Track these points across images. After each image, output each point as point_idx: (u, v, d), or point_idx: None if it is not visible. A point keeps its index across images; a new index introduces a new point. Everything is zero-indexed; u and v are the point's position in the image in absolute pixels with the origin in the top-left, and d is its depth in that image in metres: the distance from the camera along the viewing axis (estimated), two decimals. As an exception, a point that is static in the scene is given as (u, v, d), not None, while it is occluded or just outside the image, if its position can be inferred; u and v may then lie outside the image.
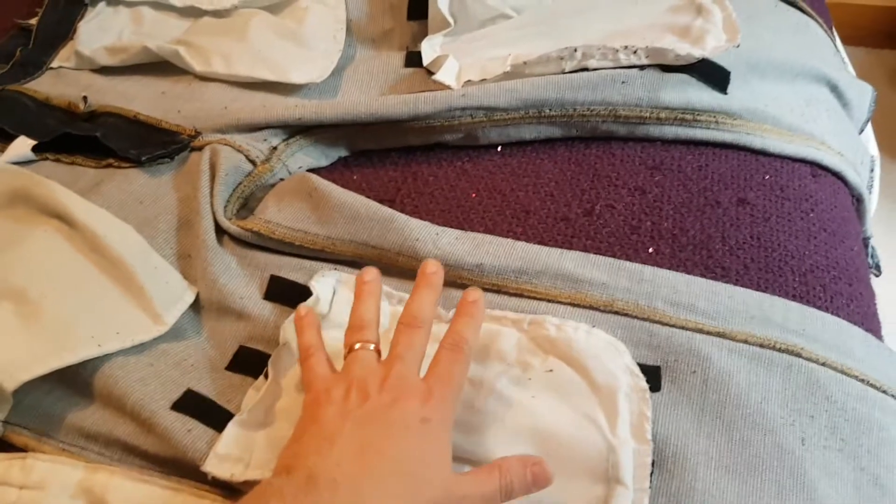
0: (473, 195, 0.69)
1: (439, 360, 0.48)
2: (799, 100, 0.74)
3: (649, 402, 0.52)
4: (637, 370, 0.54)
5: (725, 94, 0.70)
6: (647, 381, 0.53)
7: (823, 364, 0.55)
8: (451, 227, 0.64)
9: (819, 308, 0.60)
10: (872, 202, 0.91)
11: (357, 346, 0.49)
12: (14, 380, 0.52)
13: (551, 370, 0.54)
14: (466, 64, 0.73)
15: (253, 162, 0.68)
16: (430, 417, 0.45)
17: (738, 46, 0.70)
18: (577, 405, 0.53)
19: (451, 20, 0.76)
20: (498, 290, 0.59)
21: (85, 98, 0.74)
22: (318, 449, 0.43)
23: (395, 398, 0.45)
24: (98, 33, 0.81)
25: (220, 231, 0.64)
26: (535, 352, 0.55)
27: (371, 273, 0.54)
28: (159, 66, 0.77)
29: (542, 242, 0.64)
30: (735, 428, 0.52)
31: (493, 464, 0.46)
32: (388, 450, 0.43)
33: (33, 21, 0.85)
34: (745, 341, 0.56)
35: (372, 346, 0.49)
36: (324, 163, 0.73)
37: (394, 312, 0.59)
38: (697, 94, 0.69)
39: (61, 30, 0.83)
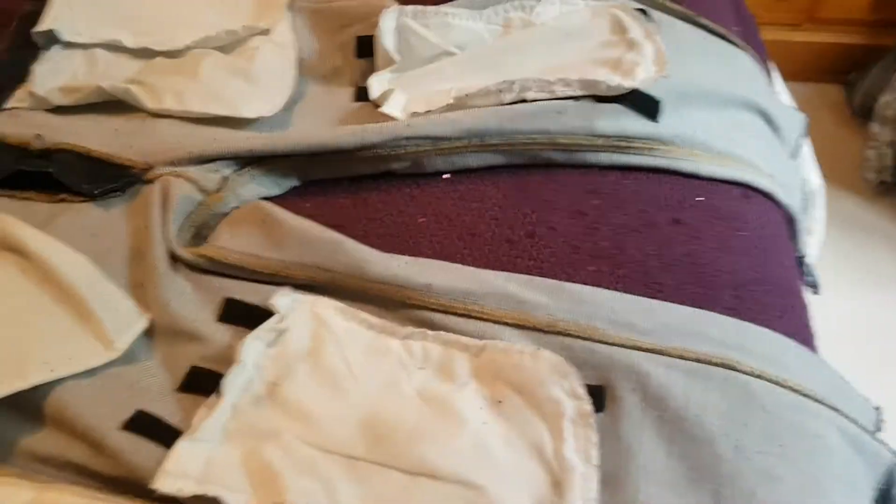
0: (421, 220, 0.71)
1: None
2: (729, 125, 0.78)
3: (594, 426, 0.55)
4: (582, 392, 0.56)
5: (657, 121, 0.74)
6: (592, 402, 0.55)
7: (758, 376, 0.58)
8: (401, 250, 0.67)
9: (753, 321, 0.63)
10: (818, 229, 0.96)
11: None
12: (-34, 406, 0.53)
13: (500, 401, 0.56)
14: (412, 97, 0.77)
15: (205, 192, 0.70)
16: None
17: (666, 77, 0.74)
18: (524, 432, 0.55)
19: (396, 57, 0.80)
20: (446, 312, 0.62)
21: (38, 136, 0.75)
22: None
23: None
24: (52, 75, 0.82)
25: (175, 259, 0.66)
26: (485, 380, 0.58)
27: None
28: (112, 105, 0.79)
29: (487, 263, 0.66)
30: (674, 441, 0.55)
31: None
32: None
33: (-13, 65, 0.87)
34: (681, 356, 0.58)
35: None
36: (276, 192, 0.75)
37: (346, 327, 0.61)
38: (631, 123, 0.73)
39: (16, 72, 0.84)
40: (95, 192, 0.69)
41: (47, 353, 0.56)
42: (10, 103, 0.82)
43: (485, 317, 0.61)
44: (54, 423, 0.55)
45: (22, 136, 0.76)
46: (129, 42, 0.84)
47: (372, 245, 0.65)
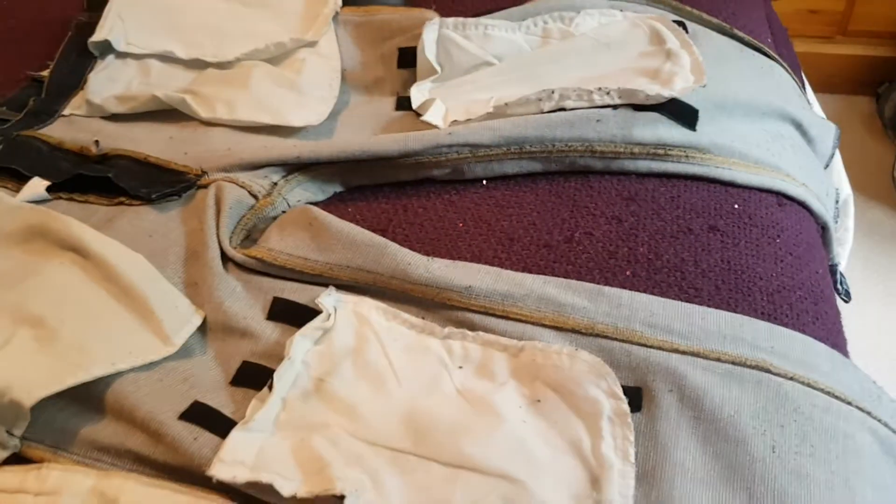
0: (461, 225, 0.73)
1: None
2: (765, 136, 0.79)
3: (631, 424, 0.56)
4: (619, 392, 0.57)
5: (694, 130, 0.75)
6: (629, 402, 0.57)
7: (791, 378, 0.59)
8: (441, 254, 0.69)
9: (786, 326, 0.64)
10: (848, 239, 0.96)
11: None
12: (32, 397, 0.56)
13: (539, 400, 0.58)
14: (452, 106, 0.79)
15: (255, 196, 0.73)
16: None
17: (704, 86, 0.76)
18: (563, 431, 0.56)
19: (437, 67, 0.82)
20: (486, 313, 0.63)
21: (97, 142, 0.79)
22: None
23: None
24: (107, 83, 0.86)
25: (225, 259, 0.69)
26: (524, 379, 0.59)
27: None
28: (166, 113, 0.82)
29: (525, 268, 0.68)
30: (709, 441, 0.56)
31: None
32: None
33: (45, 73, 0.91)
34: (718, 359, 0.59)
35: None
36: (321, 197, 0.78)
37: (388, 327, 0.63)
38: (668, 131, 0.75)
39: (72, 80, 0.88)
40: (153, 196, 0.72)
41: (109, 347, 0.59)
42: (67, 110, 0.86)
43: (523, 318, 0.62)
44: (114, 414, 0.58)
45: (80, 142, 0.80)
46: (182, 53, 0.88)
47: (412, 249, 0.67)
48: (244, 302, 0.66)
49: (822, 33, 1.61)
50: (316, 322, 0.63)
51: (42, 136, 0.81)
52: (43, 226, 0.67)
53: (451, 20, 0.84)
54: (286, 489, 0.52)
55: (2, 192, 0.74)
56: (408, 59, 0.85)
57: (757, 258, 0.70)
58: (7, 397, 0.55)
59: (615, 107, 0.74)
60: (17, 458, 0.58)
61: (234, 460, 0.53)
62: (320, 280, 0.67)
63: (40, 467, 0.55)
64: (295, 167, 0.77)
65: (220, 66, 0.87)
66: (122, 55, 0.89)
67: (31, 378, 0.56)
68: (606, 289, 0.64)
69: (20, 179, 0.76)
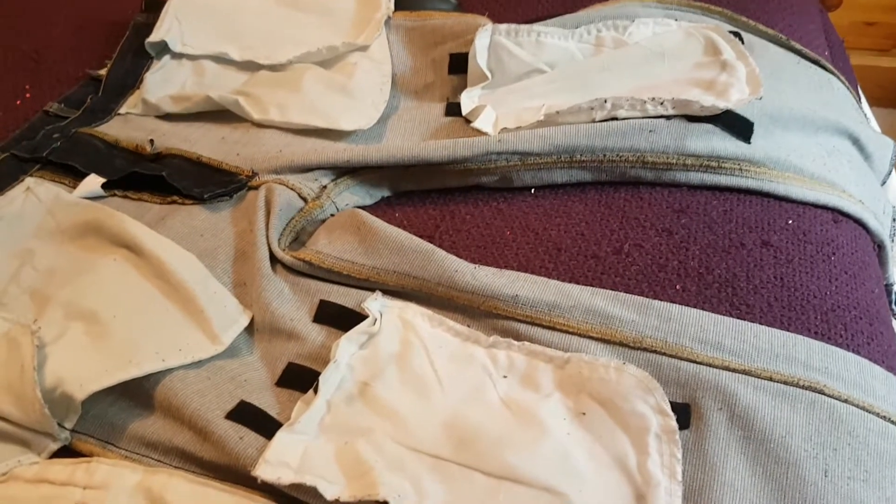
0: (508, 233, 0.73)
1: None
2: (821, 150, 0.77)
3: (679, 442, 0.55)
4: (667, 409, 0.56)
5: (749, 143, 0.74)
6: (677, 419, 0.56)
7: (846, 401, 0.58)
8: (487, 262, 0.69)
9: (840, 346, 0.63)
10: (899, 251, 0.94)
11: None
12: (84, 390, 0.57)
13: (584, 413, 0.57)
14: (502, 113, 0.79)
15: (304, 199, 0.74)
16: None
17: (760, 99, 0.74)
18: (608, 445, 0.56)
19: (488, 74, 0.82)
20: (532, 323, 0.63)
21: (151, 141, 0.81)
22: None
23: None
24: (163, 83, 0.88)
25: (273, 261, 0.69)
26: (569, 391, 0.59)
27: None
28: (218, 114, 0.84)
29: (572, 278, 0.68)
30: (759, 462, 0.55)
31: None
32: None
33: (102, 71, 0.93)
34: (770, 378, 0.58)
35: None
36: (368, 201, 0.78)
37: (433, 333, 0.63)
38: (722, 143, 0.73)
39: (129, 80, 0.90)
40: (205, 195, 0.73)
41: (159, 343, 0.60)
42: (123, 108, 0.88)
43: (570, 330, 0.62)
44: (163, 410, 0.59)
45: (135, 141, 0.82)
46: (236, 55, 0.89)
47: (459, 256, 0.67)
48: (291, 304, 0.66)
49: (878, 46, 1.58)
50: (362, 326, 0.63)
51: (99, 133, 0.83)
52: (98, 222, 0.69)
53: (503, 26, 0.83)
54: (329, 493, 0.52)
55: (59, 188, 0.76)
56: (459, 64, 0.85)
57: (811, 276, 0.69)
58: (59, 390, 0.57)
59: (668, 117, 0.73)
60: (67, 451, 0.59)
61: (279, 462, 0.53)
62: (367, 284, 0.67)
63: (89, 461, 0.56)
64: (344, 171, 0.77)
65: (273, 68, 0.88)
66: (177, 56, 0.91)
67: (83, 372, 0.57)
68: (656, 302, 0.63)
69: (77, 176, 0.78)
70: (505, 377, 0.61)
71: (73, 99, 0.90)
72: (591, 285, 0.66)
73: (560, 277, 0.67)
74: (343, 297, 0.67)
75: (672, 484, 0.54)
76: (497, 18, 0.88)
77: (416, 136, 0.82)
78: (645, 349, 0.60)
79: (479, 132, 0.77)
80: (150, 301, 0.63)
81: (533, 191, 0.77)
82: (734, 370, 0.59)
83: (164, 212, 0.74)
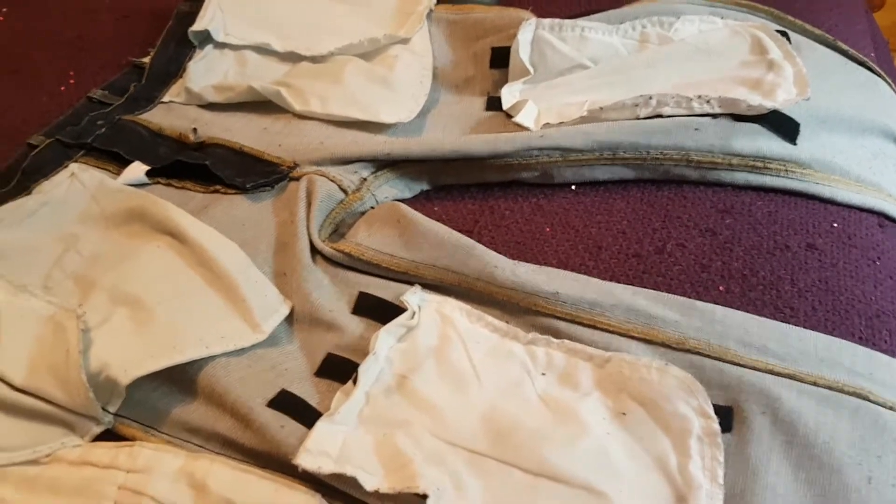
0: (548, 230, 0.73)
1: None
2: (867, 153, 0.76)
3: (721, 445, 0.55)
4: (710, 411, 0.56)
5: (795, 144, 0.73)
6: (719, 422, 0.55)
7: (891, 408, 0.57)
8: (526, 258, 0.68)
9: (885, 352, 0.61)
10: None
11: None
12: (128, 375, 0.57)
13: (624, 413, 0.57)
14: (544, 108, 0.78)
15: (345, 191, 0.74)
16: None
17: (807, 99, 0.73)
18: (648, 446, 0.55)
19: (531, 69, 0.81)
20: (572, 321, 0.63)
21: (195, 130, 0.81)
22: None
23: None
24: (205, 73, 0.88)
25: (313, 252, 0.69)
26: (609, 391, 0.58)
27: None
28: (260, 105, 0.84)
29: (613, 277, 0.67)
30: (802, 467, 0.54)
31: None
32: None
33: (146, 59, 0.93)
34: (815, 383, 0.57)
35: None
36: (407, 195, 0.78)
37: (471, 328, 0.63)
38: (768, 143, 0.72)
39: (172, 68, 0.91)
40: (248, 185, 0.73)
41: (202, 330, 0.60)
42: (166, 97, 0.88)
43: (611, 329, 0.61)
44: (206, 396, 0.60)
45: (178, 129, 0.82)
46: (278, 46, 0.89)
47: (498, 251, 0.67)
48: (331, 295, 0.67)
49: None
50: (400, 319, 0.63)
51: (143, 121, 0.83)
52: (142, 209, 0.69)
53: (547, 21, 0.83)
54: (369, 484, 0.52)
55: (103, 174, 0.77)
56: (500, 58, 0.84)
57: (855, 280, 0.67)
58: (104, 374, 0.57)
59: (714, 116, 0.72)
60: (110, 435, 0.59)
61: (319, 451, 0.54)
62: (406, 278, 0.67)
63: (132, 445, 0.57)
64: (384, 164, 0.77)
65: (314, 59, 0.88)
66: (220, 45, 0.91)
67: (127, 357, 0.58)
68: (699, 303, 0.62)
69: (120, 163, 0.79)
70: (543, 374, 0.60)
71: (116, 86, 0.91)
72: (633, 284, 0.65)
73: (600, 276, 0.67)
74: (382, 289, 0.67)
75: (713, 487, 0.53)
76: (539, 12, 0.87)
77: (456, 130, 0.81)
78: (688, 351, 0.59)
79: (520, 127, 0.77)
80: (193, 288, 0.63)
81: (574, 187, 0.76)
82: (778, 374, 0.58)
83: (206, 201, 0.74)
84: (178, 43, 0.93)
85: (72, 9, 1.08)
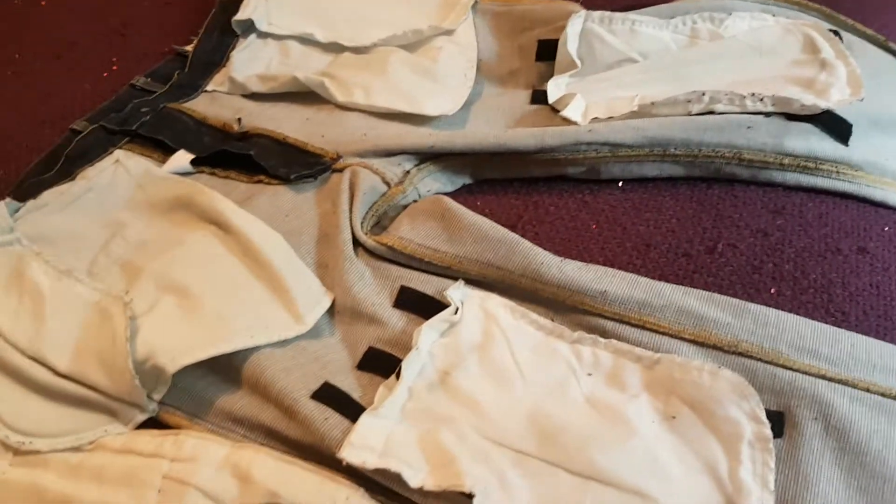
0: (594, 227, 0.71)
1: None
2: (921, 157, 0.74)
3: (772, 451, 0.53)
4: (762, 416, 0.54)
5: (847, 145, 0.71)
6: (770, 427, 0.54)
7: None
8: (571, 255, 0.67)
9: (939, 360, 0.60)
10: None
11: None
12: (175, 363, 0.57)
13: (674, 416, 0.56)
14: (592, 102, 0.77)
15: (388, 184, 0.74)
16: None
17: (861, 100, 0.71)
18: (699, 451, 0.54)
19: (578, 62, 0.80)
20: (620, 320, 0.61)
21: (239, 120, 0.81)
22: None
23: None
24: (249, 62, 0.88)
25: (355, 244, 0.69)
26: (658, 393, 0.57)
27: None
28: (303, 95, 0.83)
29: (662, 276, 0.66)
30: (853, 475, 0.53)
31: None
32: None
33: (189, 48, 0.93)
34: (868, 390, 0.56)
35: None
36: (450, 188, 0.77)
37: (515, 325, 0.62)
38: (820, 144, 0.71)
39: (215, 57, 0.91)
40: (291, 176, 0.73)
41: (248, 320, 0.60)
42: (210, 86, 0.88)
43: (661, 329, 0.60)
44: (250, 386, 0.59)
45: (222, 118, 0.82)
46: (321, 36, 0.88)
47: (542, 247, 0.66)
48: (372, 288, 0.66)
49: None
50: (443, 315, 0.62)
51: (187, 110, 0.83)
52: (188, 198, 0.69)
53: (597, 13, 0.81)
54: (414, 480, 0.51)
55: (149, 162, 0.77)
56: (547, 51, 0.83)
57: (908, 285, 0.66)
58: (151, 362, 0.57)
59: (767, 114, 0.71)
60: (153, 423, 0.60)
61: (363, 445, 0.53)
62: (449, 272, 0.67)
63: (177, 433, 0.57)
64: (427, 156, 0.76)
65: (357, 50, 0.87)
66: (263, 35, 0.91)
67: (174, 345, 0.58)
68: (752, 305, 0.60)
69: (165, 151, 0.79)
70: (590, 374, 0.59)
71: (159, 73, 0.91)
72: (682, 284, 0.64)
73: (649, 275, 0.65)
74: (424, 283, 0.66)
75: (764, 493, 0.52)
76: (586, 4, 0.86)
77: (501, 124, 0.80)
78: (740, 354, 0.58)
79: (567, 121, 0.76)
80: (238, 278, 0.63)
81: (621, 184, 0.75)
82: (831, 379, 0.57)
83: (250, 191, 0.74)
84: (222, 32, 0.93)
85: (115, -4, 1.08)
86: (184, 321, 0.60)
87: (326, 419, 0.55)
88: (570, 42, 0.79)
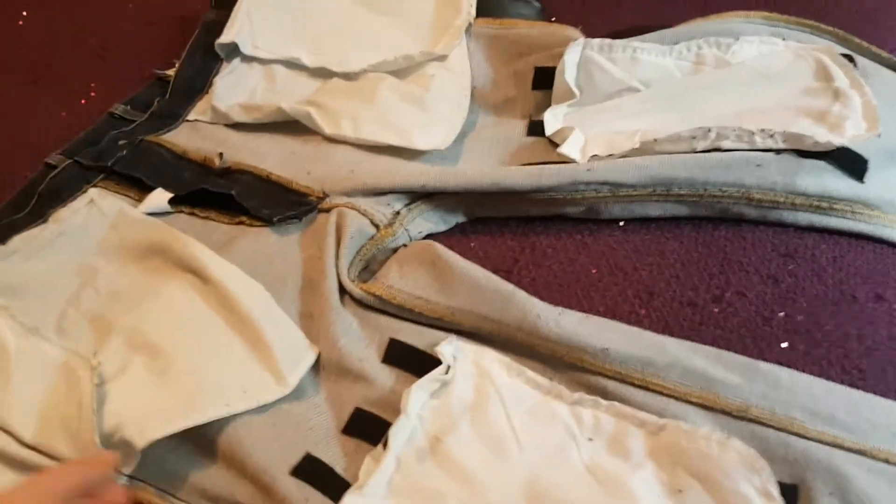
0: (594, 271, 0.68)
1: None
2: (940, 193, 0.70)
3: None
4: (774, 492, 0.51)
5: (863, 182, 0.67)
6: (784, 502, 0.51)
7: None
8: (570, 302, 0.64)
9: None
10: None
11: None
12: (144, 438, 0.53)
13: (681, 490, 0.52)
14: (591, 136, 0.73)
15: (377, 226, 0.70)
16: None
17: (879, 136, 0.67)
18: None
19: (576, 91, 0.76)
20: (622, 380, 0.58)
21: (221, 154, 0.77)
22: None
23: None
24: (233, 88, 0.83)
25: (342, 291, 0.65)
26: (663, 463, 0.54)
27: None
28: (289, 125, 0.79)
29: (666, 327, 0.62)
30: None
31: None
32: None
33: (170, 72, 0.89)
34: (887, 461, 0.52)
35: None
36: (442, 228, 0.73)
37: (511, 385, 0.58)
38: (834, 182, 0.66)
39: (198, 83, 0.86)
40: (275, 218, 0.69)
41: (223, 385, 0.56)
42: (192, 115, 0.84)
43: (666, 391, 0.56)
44: (226, 460, 0.56)
45: (204, 152, 0.78)
46: (308, 61, 0.84)
47: (539, 293, 0.62)
48: (360, 341, 0.62)
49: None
50: (434, 374, 0.58)
51: (166, 143, 0.79)
52: (163, 244, 0.65)
53: (596, 41, 0.76)
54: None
55: (124, 202, 0.73)
56: (544, 79, 0.79)
57: (930, 337, 0.62)
58: (118, 435, 0.54)
59: (777, 151, 0.67)
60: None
61: (346, 528, 0.50)
62: (440, 324, 0.63)
63: (146, 510, 0.53)
64: (418, 195, 0.72)
65: (346, 76, 0.83)
66: (248, 59, 0.86)
67: (143, 416, 0.54)
68: (763, 365, 0.57)
69: (142, 188, 0.75)
70: (590, 440, 0.56)
71: (139, 101, 0.87)
72: (688, 337, 0.60)
73: (652, 325, 0.62)
74: (414, 336, 0.63)
75: None
76: (585, 28, 0.81)
77: (496, 157, 0.76)
78: (751, 420, 0.54)
79: (563, 157, 0.71)
80: (215, 334, 0.59)
81: (622, 223, 0.71)
82: (848, 449, 0.53)
83: (231, 233, 0.70)
84: (205, 54, 0.88)
85: (94, 15, 1.03)
86: (155, 385, 0.56)
87: (307, 499, 0.52)
88: (569, 71, 0.75)
